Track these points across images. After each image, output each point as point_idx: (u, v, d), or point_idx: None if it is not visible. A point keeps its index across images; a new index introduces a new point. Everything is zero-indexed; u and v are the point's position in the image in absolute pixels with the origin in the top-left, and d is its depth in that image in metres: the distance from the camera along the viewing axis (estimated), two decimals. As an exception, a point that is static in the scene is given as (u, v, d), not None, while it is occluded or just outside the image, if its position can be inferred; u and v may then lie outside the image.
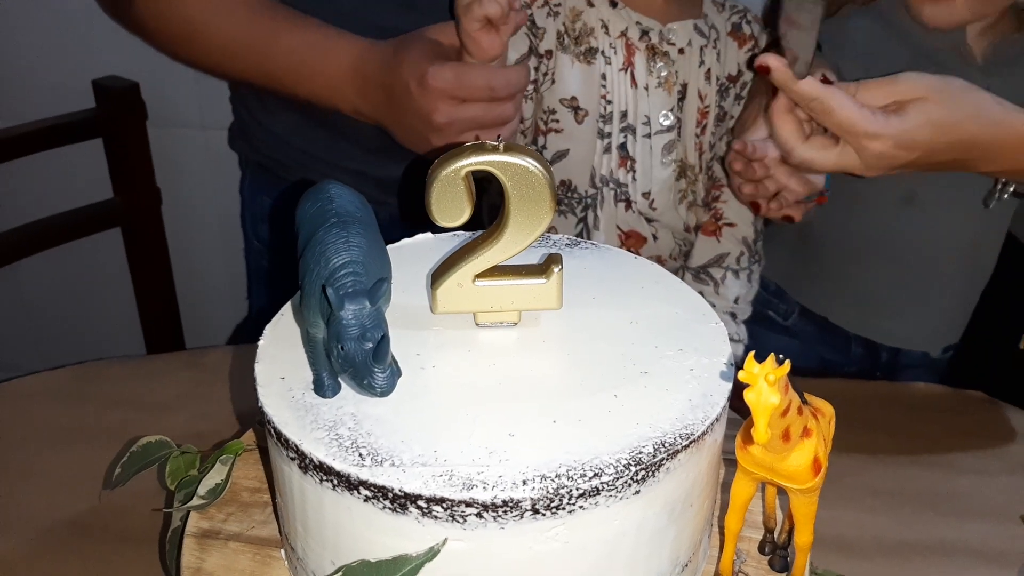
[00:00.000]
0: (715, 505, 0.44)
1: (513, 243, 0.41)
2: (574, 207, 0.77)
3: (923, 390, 0.79)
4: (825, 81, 0.62)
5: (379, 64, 0.70)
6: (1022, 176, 0.69)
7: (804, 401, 0.35)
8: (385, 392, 0.35)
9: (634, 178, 0.76)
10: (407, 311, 0.44)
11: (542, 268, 0.43)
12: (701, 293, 0.75)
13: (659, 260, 0.79)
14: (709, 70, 0.76)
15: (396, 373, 0.37)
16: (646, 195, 0.76)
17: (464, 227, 0.43)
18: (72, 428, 0.71)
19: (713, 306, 0.75)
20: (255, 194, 0.95)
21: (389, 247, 0.43)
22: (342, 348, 0.33)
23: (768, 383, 0.30)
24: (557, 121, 0.75)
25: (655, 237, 0.78)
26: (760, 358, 0.30)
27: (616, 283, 0.47)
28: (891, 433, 0.74)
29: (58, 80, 1.23)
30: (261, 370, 0.41)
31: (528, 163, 0.40)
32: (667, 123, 0.75)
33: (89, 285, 1.39)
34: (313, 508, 0.36)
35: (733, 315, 0.81)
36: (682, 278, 0.78)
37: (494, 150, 0.40)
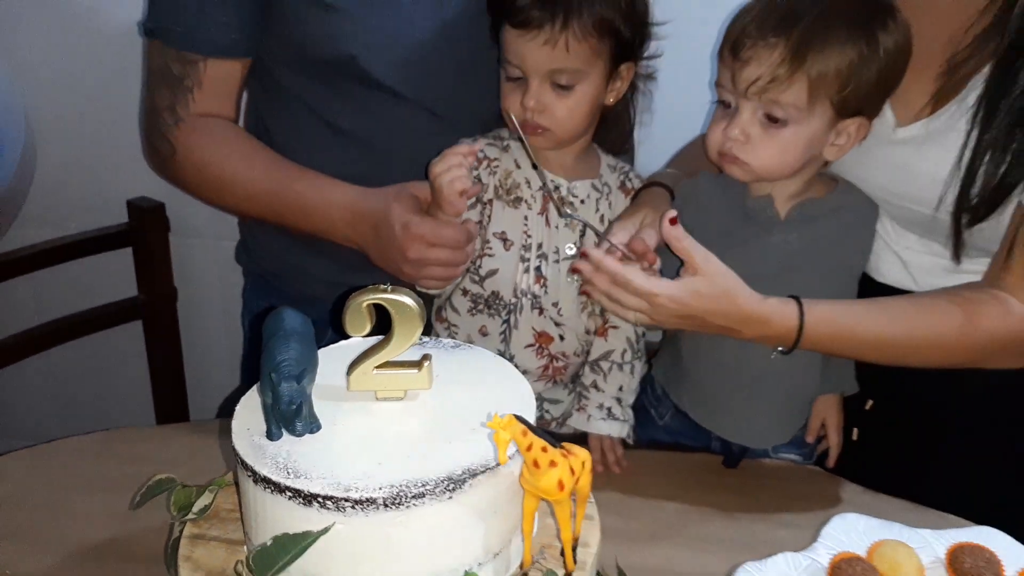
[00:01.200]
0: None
1: (398, 347, 0.66)
2: (500, 312, 1.02)
3: (775, 463, 1.00)
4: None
5: (372, 208, 0.96)
6: (776, 344, 0.89)
7: (556, 446, 0.59)
8: (302, 435, 0.59)
9: (546, 292, 1.00)
10: (332, 388, 0.68)
11: (419, 362, 0.68)
12: (594, 383, 0.99)
13: (564, 355, 1.03)
14: (603, 215, 1.02)
15: (315, 425, 0.61)
16: (555, 305, 1.01)
17: (371, 333, 0.68)
18: (97, 477, 0.94)
19: (601, 392, 0.99)
20: (254, 298, 1.21)
21: (330, 346, 0.67)
22: (278, 408, 0.58)
23: (500, 428, 0.54)
24: (491, 248, 1.00)
25: (562, 337, 1.02)
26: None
27: (473, 372, 0.71)
28: (739, 495, 0.96)
29: (97, 197, 1.51)
30: (236, 425, 0.65)
31: (406, 299, 0.65)
32: (571, 252, 0.99)
33: (111, 368, 1.64)
34: (260, 506, 0.60)
35: (619, 400, 1.01)
36: (582, 370, 1.02)
37: (384, 291, 0.65)
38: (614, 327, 1.02)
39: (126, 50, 1.42)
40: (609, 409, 0.99)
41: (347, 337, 0.70)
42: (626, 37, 0.95)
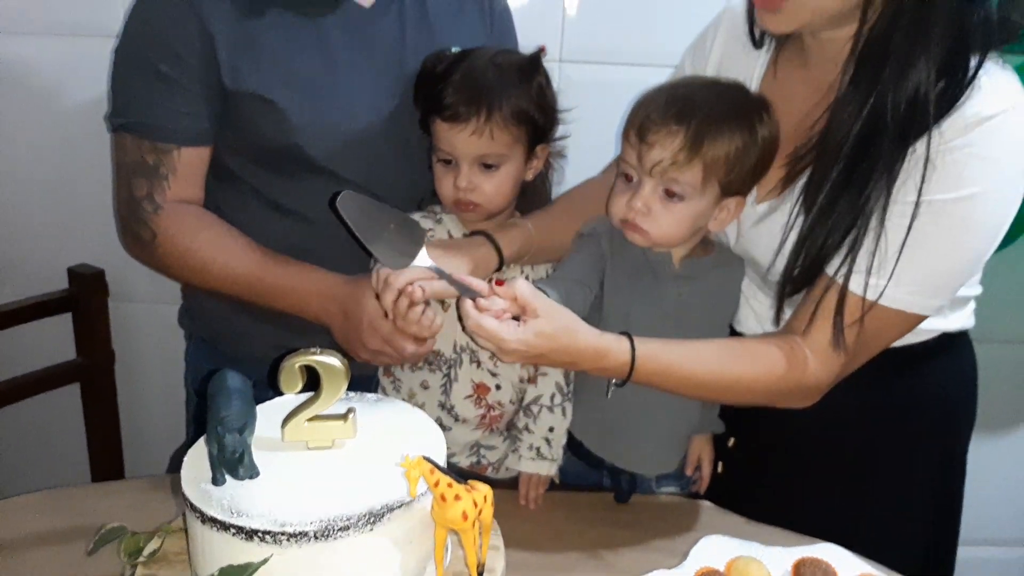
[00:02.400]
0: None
1: (326, 402, 0.77)
2: (440, 367, 1.12)
3: (658, 499, 1.13)
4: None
5: (343, 295, 1.06)
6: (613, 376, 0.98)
7: (461, 482, 0.71)
8: (243, 479, 0.69)
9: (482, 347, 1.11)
10: (269, 440, 0.78)
11: (345, 415, 0.79)
12: (526, 425, 1.10)
13: (500, 404, 1.13)
14: (528, 277, 1.12)
15: (255, 471, 0.71)
16: (492, 357, 1.10)
17: (304, 390, 0.78)
18: (47, 533, 1.00)
19: (532, 433, 1.09)
20: (197, 360, 1.30)
21: (268, 402, 0.78)
22: (223, 457, 0.68)
23: (411, 468, 0.65)
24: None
25: (498, 387, 1.13)
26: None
27: (392, 423, 0.83)
28: (628, 527, 1.05)
29: (38, 264, 1.58)
30: (185, 474, 0.74)
31: (333, 361, 0.76)
32: (499, 281, 1.10)
33: (48, 429, 1.68)
34: (207, 543, 0.70)
35: (548, 440, 1.10)
36: (515, 415, 1.13)
37: (314, 354, 0.76)
38: (543, 374, 1.11)
39: (71, 123, 1.52)
40: (538, 449, 1.10)
41: (282, 394, 0.80)
42: (540, 124, 1.10)
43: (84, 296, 1.53)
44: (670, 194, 1.00)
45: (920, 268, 0.92)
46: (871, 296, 0.93)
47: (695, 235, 1.06)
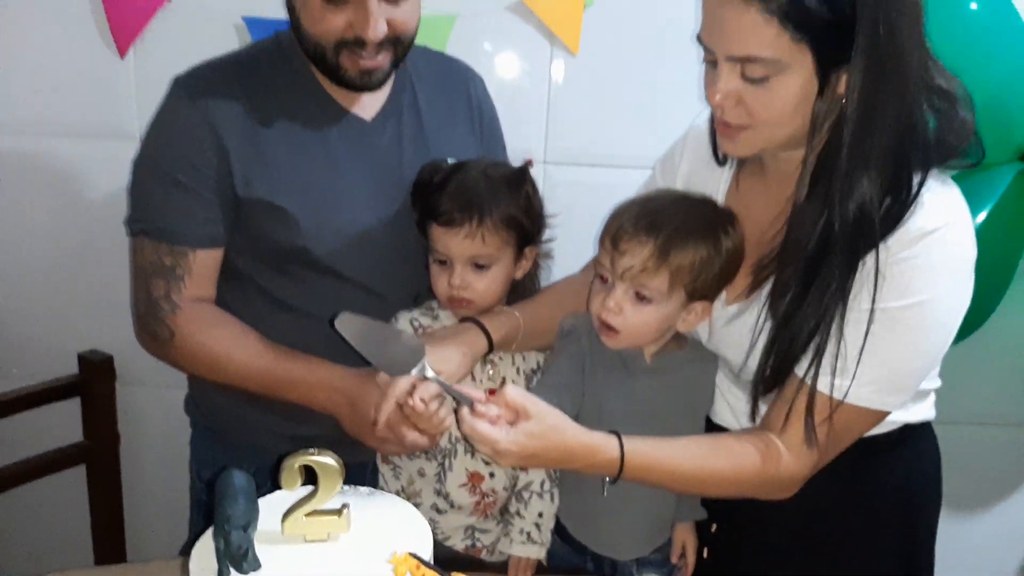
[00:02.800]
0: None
1: (323, 498, 0.84)
2: (436, 456, 1.19)
3: None
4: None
5: (350, 388, 1.13)
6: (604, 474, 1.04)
7: (444, 575, 0.77)
8: (246, 573, 0.76)
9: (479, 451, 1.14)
10: (270, 533, 0.85)
11: (339, 510, 0.86)
12: (518, 511, 1.16)
13: (493, 491, 1.20)
14: (519, 368, 1.22)
15: (256, 564, 0.78)
16: None
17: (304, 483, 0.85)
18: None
19: (523, 518, 1.15)
20: (202, 448, 1.36)
21: (268, 496, 0.85)
22: (229, 552, 0.75)
23: (399, 564, 0.72)
24: None
25: (492, 475, 1.19)
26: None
27: (384, 516, 0.90)
28: None
29: (50, 349, 1.65)
30: (192, 566, 0.81)
31: (329, 461, 0.84)
32: (491, 390, 1.15)
33: (52, 510, 1.73)
34: (211, 632, 0.76)
35: (537, 525, 1.17)
36: (508, 501, 1.20)
37: (312, 454, 0.84)
38: None
39: (85, 217, 1.62)
40: (529, 534, 1.17)
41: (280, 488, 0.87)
42: (527, 228, 1.20)
43: (93, 381, 1.61)
44: (640, 297, 1.09)
45: (881, 369, 0.99)
46: (837, 396, 0.99)
47: (664, 334, 1.14)
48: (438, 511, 1.21)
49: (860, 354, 0.98)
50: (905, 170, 0.96)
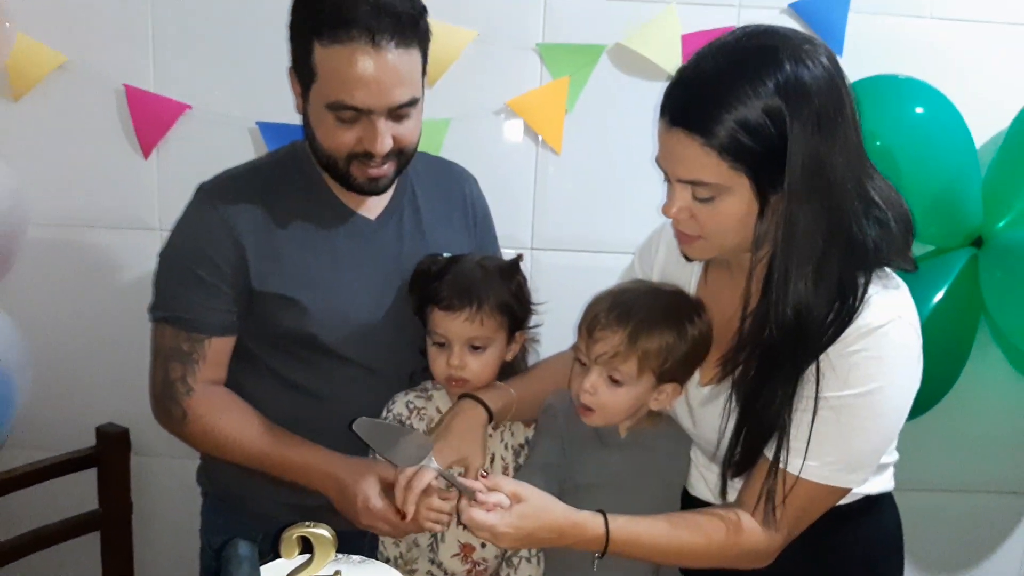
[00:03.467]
0: None
1: (318, 565, 0.95)
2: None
3: None
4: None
5: (341, 476, 1.21)
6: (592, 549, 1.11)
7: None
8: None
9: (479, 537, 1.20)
10: (269, 598, 0.95)
11: (334, 576, 0.96)
12: (508, 575, 1.25)
13: (484, 560, 1.27)
14: (507, 443, 1.31)
15: (258, 627, 0.88)
16: None
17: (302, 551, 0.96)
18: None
19: None
20: (212, 516, 1.44)
21: (270, 563, 0.95)
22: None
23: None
24: None
25: (483, 545, 1.25)
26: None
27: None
28: None
29: (69, 423, 1.74)
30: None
31: (323, 532, 0.94)
32: (484, 474, 1.23)
33: (68, 573, 1.80)
34: None
35: None
36: (498, 567, 1.28)
37: (308, 527, 0.94)
38: None
39: (107, 301, 1.74)
40: None
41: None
42: (518, 314, 1.31)
43: (109, 452, 1.69)
44: (612, 380, 1.18)
45: (841, 451, 1.08)
46: (800, 474, 1.08)
47: (637, 412, 1.24)
48: None
49: (813, 438, 1.06)
50: (848, 277, 1.06)
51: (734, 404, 1.13)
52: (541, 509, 1.08)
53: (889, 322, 1.05)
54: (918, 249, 1.66)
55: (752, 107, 0.98)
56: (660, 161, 1.09)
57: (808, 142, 1.00)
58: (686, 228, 1.09)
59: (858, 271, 1.06)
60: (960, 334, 1.67)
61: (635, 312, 1.18)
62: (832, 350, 1.05)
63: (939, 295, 1.62)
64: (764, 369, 1.09)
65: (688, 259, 1.22)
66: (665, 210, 1.09)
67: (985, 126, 1.68)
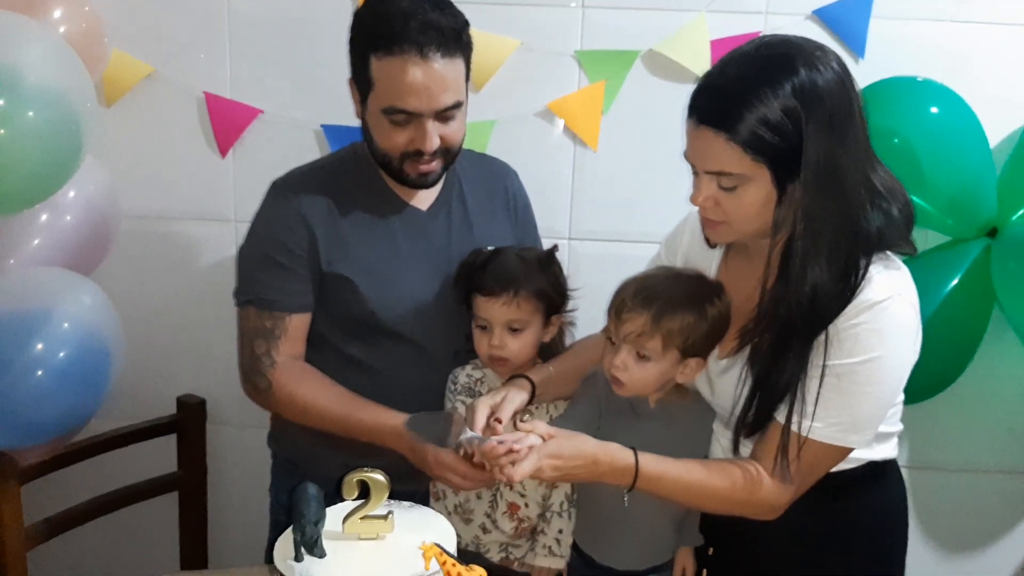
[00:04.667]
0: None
1: (373, 506, 1.10)
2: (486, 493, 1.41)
3: None
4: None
5: (409, 437, 1.32)
6: (622, 482, 1.23)
7: (464, 563, 1.02)
8: (317, 557, 1.03)
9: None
10: (334, 532, 1.11)
11: (386, 516, 1.12)
12: (542, 528, 1.40)
13: (528, 517, 1.40)
14: (551, 416, 1.37)
15: (323, 552, 1.04)
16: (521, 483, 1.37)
17: (358, 497, 1.12)
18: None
19: (546, 535, 1.39)
20: (281, 475, 1.60)
21: (337, 505, 1.11)
22: (304, 541, 1.02)
23: (427, 550, 0.97)
24: None
25: (526, 505, 1.39)
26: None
27: (418, 522, 1.15)
28: None
29: (153, 393, 1.91)
30: (276, 553, 1.08)
31: (379, 476, 1.10)
32: (524, 419, 1.35)
33: (148, 529, 1.98)
34: (289, 600, 1.03)
35: (558, 540, 1.38)
36: (538, 522, 1.41)
37: (366, 471, 1.10)
38: (556, 487, 1.39)
39: (192, 285, 1.90)
40: (550, 548, 1.39)
41: (344, 501, 1.14)
42: (554, 300, 1.43)
43: (188, 420, 1.88)
44: (640, 356, 1.30)
45: (843, 413, 1.19)
46: (808, 434, 1.20)
47: (664, 385, 1.36)
48: (484, 530, 1.44)
49: (820, 402, 1.18)
50: (853, 259, 1.17)
51: (748, 373, 1.25)
52: (574, 439, 1.22)
53: (889, 298, 1.16)
54: (936, 239, 1.78)
55: (771, 107, 1.10)
56: (688, 155, 1.21)
57: (821, 139, 1.11)
58: (712, 215, 1.21)
59: (863, 254, 1.18)
60: (973, 320, 1.75)
61: (658, 296, 1.30)
62: (837, 323, 1.17)
63: (954, 282, 1.71)
64: (779, 342, 1.20)
65: (711, 245, 1.34)
66: (693, 199, 1.21)
67: (1000, 125, 1.75)
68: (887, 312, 1.17)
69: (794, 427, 1.20)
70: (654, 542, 1.42)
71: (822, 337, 1.18)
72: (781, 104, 1.10)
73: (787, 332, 1.20)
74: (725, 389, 1.30)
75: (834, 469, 1.26)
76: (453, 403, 1.44)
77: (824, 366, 1.18)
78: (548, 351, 1.48)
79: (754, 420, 1.25)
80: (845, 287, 1.17)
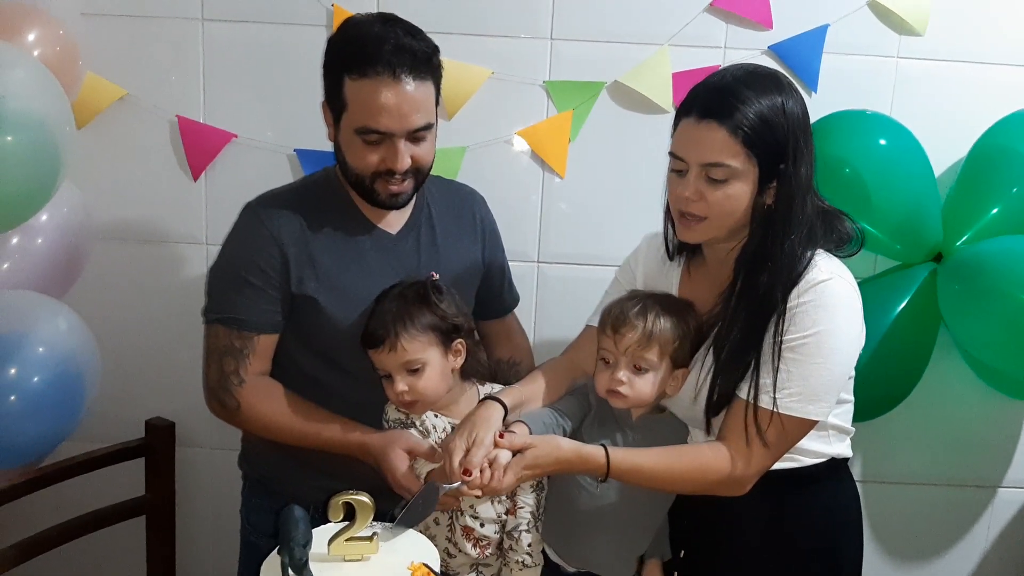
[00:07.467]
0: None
1: (358, 528, 1.13)
2: (444, 516, 1.43)
3: None
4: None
5: (375, 449, 1.38)
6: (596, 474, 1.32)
7: (448, 583, 1.06)
8: (306, 579, 1.05)
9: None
10: (320, 554, 1.14)
11: (371, 537, 1.15)
12: (511, 546, 1.44)
13: (486, 537, 1.42)
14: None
15: (311, 574, 1.07)
16: (471, 507, 1.39)
17: (343, 520, 1.15)
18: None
19: (516, 552, 1.42)
20: (251, 497, 1.61)
21: (321, 527, 1.14)
22: (293, 563, 1.04)
23: (414, 570, 1.01)
24: None
25: (482, 525, 1.41)
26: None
27: (402, 543, 1.18)
28: None
29: (121, 416, 1.89)
30: (264, 575, 1.10)
31: (364, 499, 1.13)
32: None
33: (114, 557, 1.96)
34: (278, 622, 1.05)
35: (529, 553, 1.40)
36: (501, 540, 1.44)
37: (351, 493, 1.13)
38: (521, 507, 1.41)
39: (159, 305, 1.90)
40: (522, 562, 1.42)
41: (328, 522, 1.16)
42: (445, 328, 1.41)
43: (156, 443, 1.87)
44: (638, 368, 1.39)
45: (798, 384, 1.29)
46: (770, 407, 1.29)
47: (659, 397, 1.42)
48: (449, 555, 1.45)
49: (778, 375, 1.28)
50: (803, 251, 1.31)
51: (710, 364, 1.36)
52: (548, 444, 1.31)
53: (830, 278, 1.29)
54: (884, 264, 1.88)
55: (769, 108, 1.26)
56: (680, 150, 1.31)
57: (800, 148, 1.28)
58: (695, 209, 1.31)
59: (811, 248, 1.33)
60: (921, 339, 1.84)
61: (649, 309, 1.40)
62: (788, 302, 1.30)
63: (903, 304, 1.80)
64: (741, 325, 1.32)
65: (671, 257, 1.46)
66: (678, 194, 1.31)
67: (944, 155, 1.86)
68: (829, 289, 1.29)
69: (757, 401, 1.30)
70: (626, 542, 1.46)
71: (775, 318, 1.30)
72: (777, 108, 1.27)
73: (748, 316, 1.32)
74: (688, 382, 1.40)
75: (800, 465, 1.37)
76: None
77: (779, 342, 1.29)
78: (470, 369, 1.49)
79: (718, 399, 1.35)
80: (792, 273, 1.31)
